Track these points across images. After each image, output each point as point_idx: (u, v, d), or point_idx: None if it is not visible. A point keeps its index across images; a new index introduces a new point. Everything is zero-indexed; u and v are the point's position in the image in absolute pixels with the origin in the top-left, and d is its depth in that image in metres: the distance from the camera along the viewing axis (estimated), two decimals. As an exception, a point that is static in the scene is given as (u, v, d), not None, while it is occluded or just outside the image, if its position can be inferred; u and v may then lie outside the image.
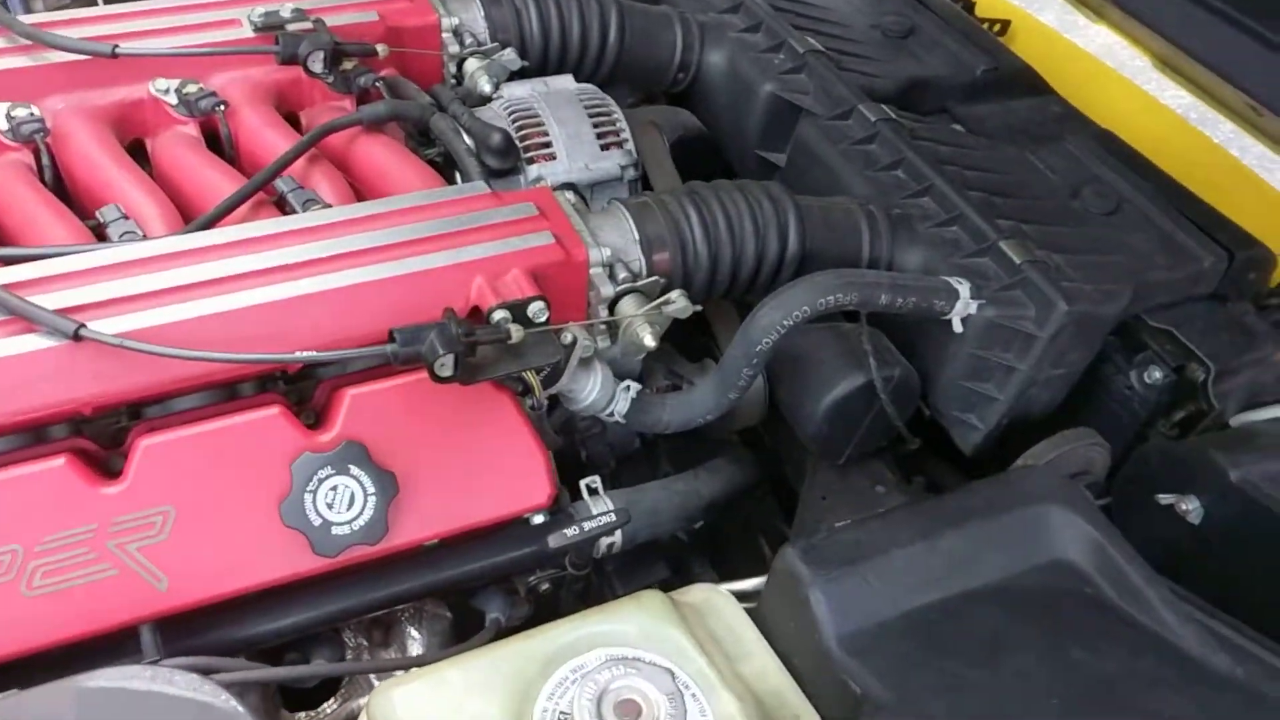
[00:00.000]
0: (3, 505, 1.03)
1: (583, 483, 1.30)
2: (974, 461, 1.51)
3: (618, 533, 1.27)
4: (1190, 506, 1.34)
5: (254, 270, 1.13)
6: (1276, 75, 1.97)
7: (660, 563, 1.42)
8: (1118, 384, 1.54)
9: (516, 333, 1.12)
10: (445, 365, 1.08)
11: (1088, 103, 2.04)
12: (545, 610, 1.30)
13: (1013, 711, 0.99)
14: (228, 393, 1.16)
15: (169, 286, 1.11)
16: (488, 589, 1.28)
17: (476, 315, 1.18)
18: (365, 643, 1.25)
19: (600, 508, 1.28)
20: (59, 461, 1.05)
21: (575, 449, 1.41)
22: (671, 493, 1.36)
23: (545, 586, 1.27)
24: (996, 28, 2.32)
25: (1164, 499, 1.36)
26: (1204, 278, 1.56)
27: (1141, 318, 1.54)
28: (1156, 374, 1.50)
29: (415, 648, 1.26)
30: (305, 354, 1.08)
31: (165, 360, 1.05)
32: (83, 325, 1.03)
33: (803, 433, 1.42)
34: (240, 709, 0.89)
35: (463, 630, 1.28)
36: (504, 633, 1.24)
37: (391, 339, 1.08)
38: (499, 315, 1.15)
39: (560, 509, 1.27)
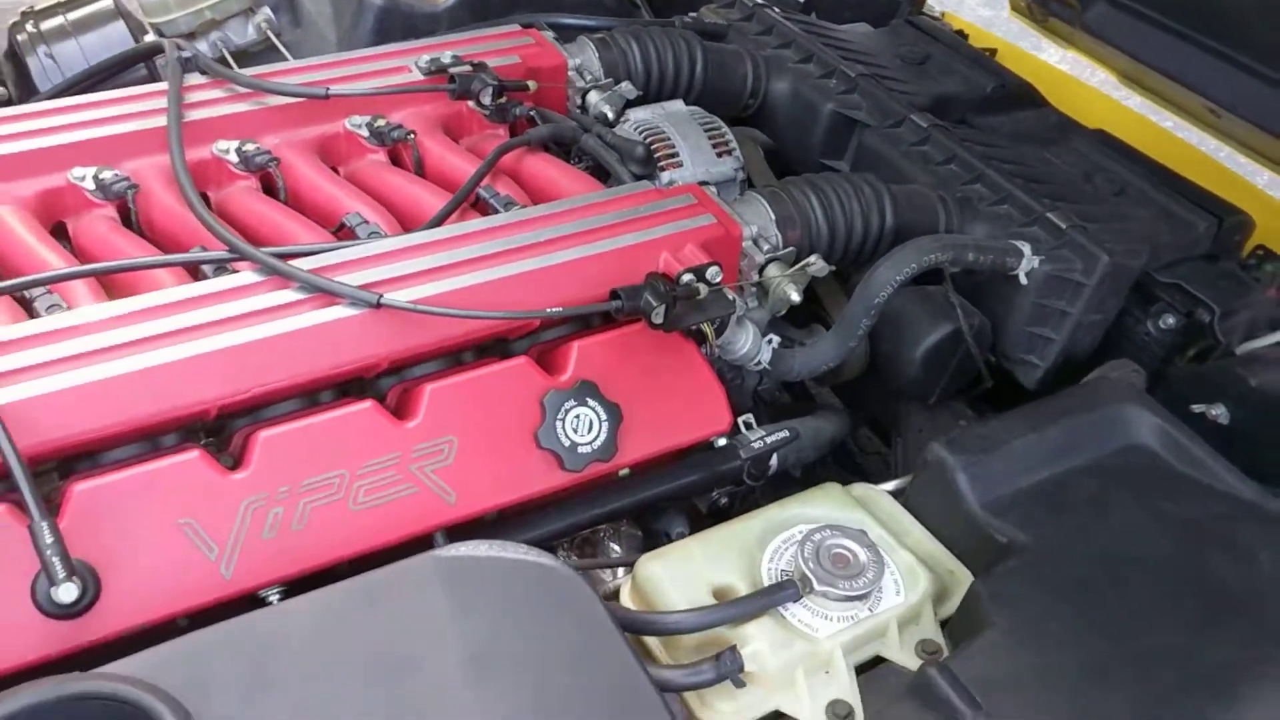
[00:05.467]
0: (331, 440, 1.30)
1: (740, 419, 1.59)
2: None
3: (775, 457, 1.56)
4: (1218, 412, 1.67)
5: (494, 253, 1.43)
6: (1231, 81, 2.36)
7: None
8: (1137, 331, 1.88)
9: (703, 289, 1.43)
10: (659, 314, 1.38)
11: (1072, 113, 2.41)
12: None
13: (1126, 546, 1.30)
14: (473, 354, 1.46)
15: (432, 268, 1.39)
16: (669, 511, 1.56)
17: (666, 281, 1.48)
18: (576, 556, 1.52)
19: (757, 437, 1.57)
20: (366, 405, 1.33)
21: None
22: (809, 427, 1.66)
23: (724, 501, 1.56)
24: (987, 54, 2.70)
25: (1196, 408, 1.70)
26: (1199, 240, 1.92)
27: (1152, 274, 1.89)
28: (1170, 320, 1.84)
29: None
30: (553, 310, 1.37)
31: (445, 321, 1.33)
32: (381, 295, 1.31)
33: (901, 378, 1.73)
34: (570, 568, 1.13)
35: (650, 546, 1.56)
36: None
37: (615, 296, 1.38)
38: (687, 278, 1.45)
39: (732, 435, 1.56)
